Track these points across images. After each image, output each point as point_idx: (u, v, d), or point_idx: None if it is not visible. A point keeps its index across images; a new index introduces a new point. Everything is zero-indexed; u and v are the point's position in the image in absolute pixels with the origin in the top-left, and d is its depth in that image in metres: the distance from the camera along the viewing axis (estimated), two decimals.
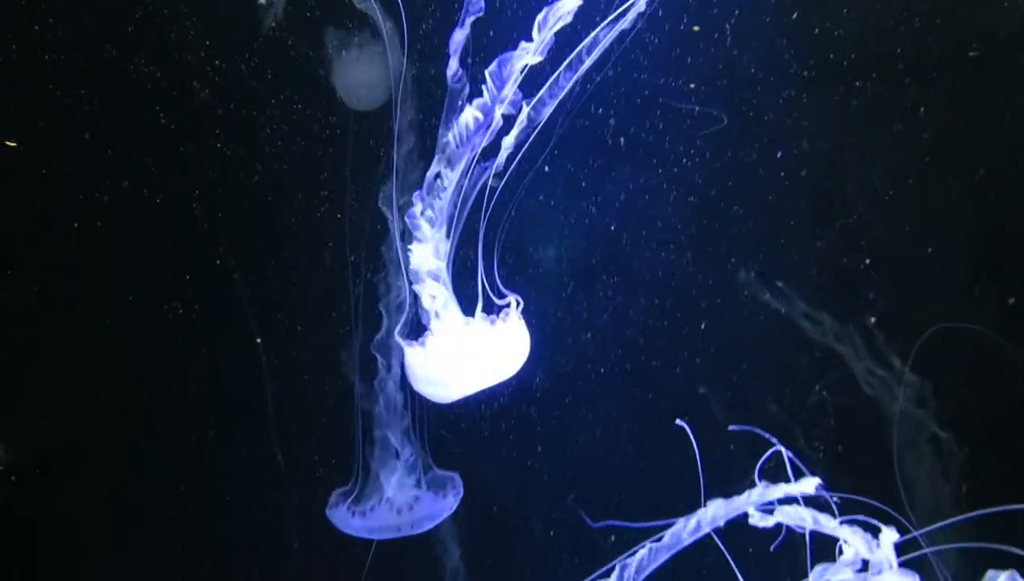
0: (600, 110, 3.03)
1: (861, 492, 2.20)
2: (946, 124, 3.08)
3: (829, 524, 2.08)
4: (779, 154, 3.11)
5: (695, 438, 2.40)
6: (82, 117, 3.05)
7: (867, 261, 3.16)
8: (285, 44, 2.96)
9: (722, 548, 2.26)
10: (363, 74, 2.81)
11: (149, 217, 3.15)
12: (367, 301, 3.02)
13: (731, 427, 2.61)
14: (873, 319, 3.15)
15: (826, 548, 2.17)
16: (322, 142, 3.05)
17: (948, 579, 2.30)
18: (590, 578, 2.23)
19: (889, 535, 2.04)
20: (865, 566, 2.11)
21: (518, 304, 2.37)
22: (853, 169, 3.16)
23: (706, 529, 2.23)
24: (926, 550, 2.25)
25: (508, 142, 2.18)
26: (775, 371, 3.29)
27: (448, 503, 3.07)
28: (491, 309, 2.40)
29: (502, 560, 3.48)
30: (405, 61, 2.63)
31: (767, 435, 2.36)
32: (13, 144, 3.03)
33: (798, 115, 3.07)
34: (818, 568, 2.16)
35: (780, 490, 2.17)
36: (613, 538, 3.06)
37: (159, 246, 3.21)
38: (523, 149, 2.25)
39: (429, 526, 3.09)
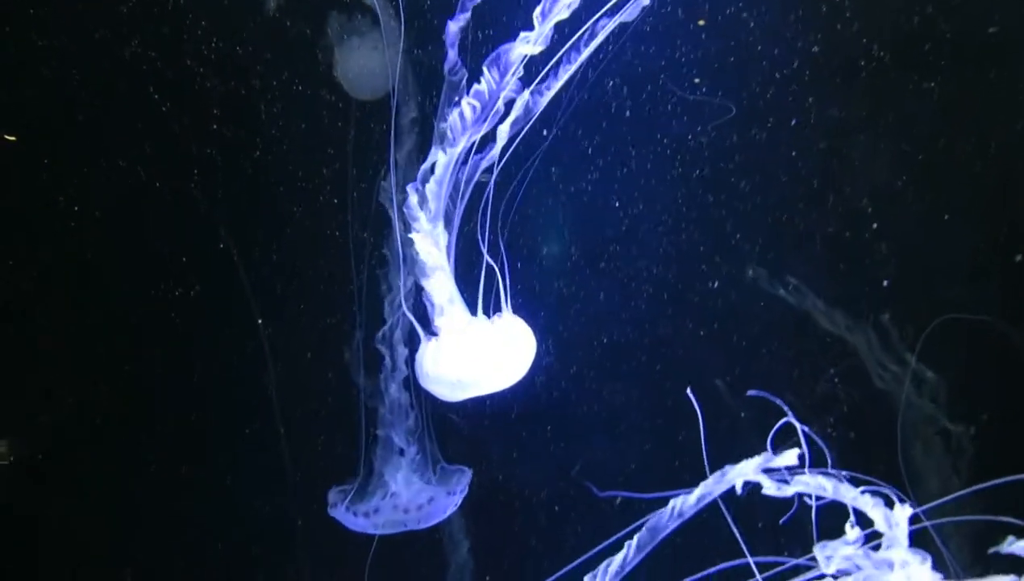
0: (603, 93, 3.04)
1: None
2: (957, 106, 3.08)
3: (849, 494, 2.11)
4: (786, 131, 3.13)
5: (703, 410, 2.43)
6: (77, 102, 3.08)
7: (876, 246, 3.17)
8: (284, 26, 2.97)
9: (729, 520, 2.30)
10: (363, 63, 2.81)
11: (147, 201, 3.18)
12: (370, 294, 3.06)
13: (749, 392, 2.62)
14: (887, 315, 3.17)
15: (830, 526, 2.21)
16: (324, 126, 3.07)
17: (951, 558, 2.34)
18: (597, 549, 2.28)
19: (903, 511, 2.07)
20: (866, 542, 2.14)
21: (504, 285, 2.38)
22: (860, 149, 3.17)
23: (705, 501, 2.26)
24: (927, 523, 2.28)
25: (504, 130, 2.18)
26: (782, 348, 3.31)
27: (455, 499, 3.13)
28: (496, 301, 2.43)
29: (508, 533, 3.54)
30: (401, 50, 2.63)
31: (781, 403, 2.38)
32: (12, 138, 3.05)
33: (804, 93, 3.08)
34: (821, 544, 2.17)
35: (764, 461, 2.19)
36: (619, 501, 3.13)
37: (159, 231, 3.24)
38: (519, 138, 2.26)
39: (435, 521, 3.14)
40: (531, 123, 2.22)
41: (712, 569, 2.31)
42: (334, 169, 3.10)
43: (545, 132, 2.83)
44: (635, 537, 2.21)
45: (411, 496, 3.08)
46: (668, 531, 2.24)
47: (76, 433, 3.40)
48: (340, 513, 3.10)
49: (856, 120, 3.14)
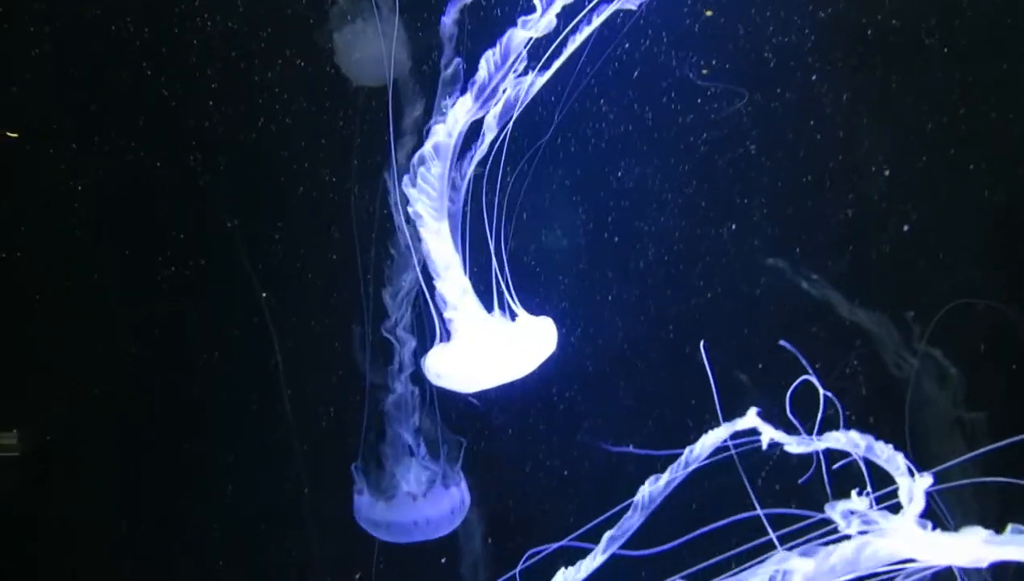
0: (610, 73, 3.04)
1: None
2: (977, 80, 3.08)
3: (883, 453, 2.13)
4: (799, 108, 3.14)
5: (715, 375, 2.43)
6: (71, 82, 3.10)
7: (893, 228, 3.19)
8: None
9: (745, 479, 2.34)
10: (362, 49, 2.82)
11: (147, 183, 3.21)
12: (376, 290, 3.09)
13: (781, 342, 2.63)
14: (902, 299, 3.18)
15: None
16: (327, 106, 3.10)
17: (950, 522, 2.41)
18: (610, 513, 2.33)
19: (922, 481, 2.11)
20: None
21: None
22: (872, 133, 3.18)
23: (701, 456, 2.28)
24: (933, 486, 2.29)
25: (493, 121, 2.19)
26: (796, 321, 3.34)
27: (465, 501, 3.16)
28: (512, 291, 2.44)
29: (519, 497, 3.57)
30: (397, 36, 2.64)
31: (803, 359, 2.40)
32: (14, 135, 3.08)
33: (817, 68, 3.09)
34: (830, 504, 2.21)
35: (728, 428, 2.22)
36: (631, 446, 3.19)
37: (160, 210, 3.27)
38: (518, 125, 2.28)
39: (448, 529, 3.17)
40: (537, 107, 2.22)
41: (719, 523, 2.36)
42: (338, 151, 3.12)
43: (556, 94, 2.83)
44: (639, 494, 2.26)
45: (420, 493, 3.12)
46: (665, 492, 2.26)
47: (81, 423, 3.46)
48: (356, 510, 3.14)
49: (869, 102, 3.15)
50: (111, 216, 3.27)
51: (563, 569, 2.27)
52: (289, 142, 3.19)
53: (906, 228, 3.20)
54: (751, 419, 2.17)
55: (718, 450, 2.30)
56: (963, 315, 3.12)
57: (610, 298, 3.38)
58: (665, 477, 2.23)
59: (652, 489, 2.25)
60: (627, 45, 3.01)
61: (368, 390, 3.19)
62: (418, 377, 3.13)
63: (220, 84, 3.12)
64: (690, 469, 2.25)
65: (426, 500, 3.10)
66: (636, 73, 3.09)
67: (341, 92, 3.05)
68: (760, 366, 3.24)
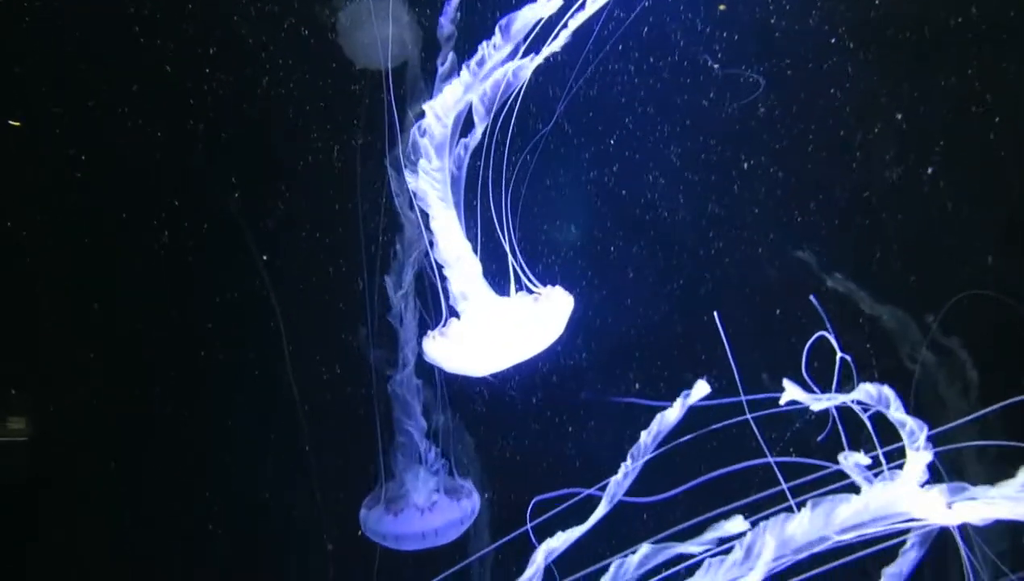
0: (625, 58, 3.10)
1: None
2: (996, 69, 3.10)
3: (907, 422, 2.18)
4: (803, 107, 3.18)
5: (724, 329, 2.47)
6: (65, 50, 3.13)
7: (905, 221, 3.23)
8: None
9: (757, 434, 2.39)
10: (366, 32, 2.82)
11: (147, 155, 3.25)
12: (380, 284, 3.13)
13: (811, 297, 2.63)
14: (931, 316, 3.22)
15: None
16: (330, 81, 3.13)
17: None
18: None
19: (927, 455, 2.19)
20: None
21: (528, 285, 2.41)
22: (882, 125, 3.21)
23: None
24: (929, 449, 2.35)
25: (478, 103, 2.22)
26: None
27: (473, 507, 3.20)
28: (526, 273, 2.46)
29: (524, 453, 3.62)
30: (390, 16, 2.64)
31: (824, 315, 2.45)
32: (16, 124, 3.11)
33: (826, 68, 3.12)
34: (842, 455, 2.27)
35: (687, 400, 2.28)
36: (638, 385, 3.31)
37: (161, 180, 3.31)
38: (511, 108, 2.30)
39: (456, 535, 3.19)
40: (544, 85, 2.22)
41: (724, 470, 2.40)
42: (342, 120, 3.16)
43: (564, 70, 2.87)
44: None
45: (428, 507, 3.16)
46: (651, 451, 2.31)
47: (84, 406, 3.52)
48: (363, 523, 3.19)
49: (880, 95, 3.17)
50: (111, 187, 3.30)
51: (549, 539, 2.31)
52: (293, 111, 3.22)
53: (925, 184, 3.24)
54: (701, 389, 2.23)
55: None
56: (977, 307, 3.15)
57: (614, 252, 3.44)
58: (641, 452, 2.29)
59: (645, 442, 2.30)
60: (647, 2, 3.03)
61: (376, 387, 3.22)
62: (423, 369, 3.15)
63: (219, 51, 3.13)
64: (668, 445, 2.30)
65: (434, 513, 3.15)
66: (644, 35, 3.12)
67: (347, 65, 3.05)
68: (771, 320, 3.32)
